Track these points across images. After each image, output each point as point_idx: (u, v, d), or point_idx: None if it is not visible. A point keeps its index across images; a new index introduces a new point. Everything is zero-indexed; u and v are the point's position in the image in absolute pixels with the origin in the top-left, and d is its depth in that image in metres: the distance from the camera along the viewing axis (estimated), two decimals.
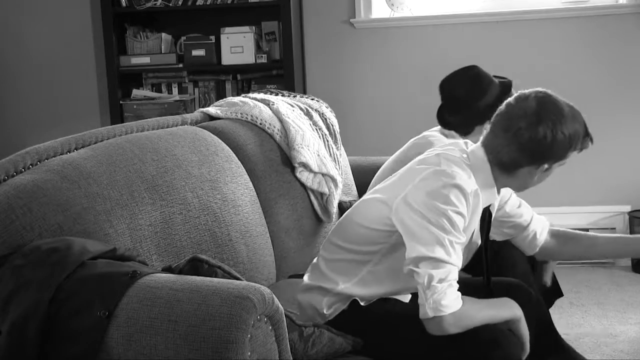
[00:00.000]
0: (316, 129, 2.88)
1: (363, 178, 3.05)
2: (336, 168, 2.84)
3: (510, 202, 2.25)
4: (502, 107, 2.02)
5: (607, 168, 4.19)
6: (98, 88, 4.62)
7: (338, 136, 3.02)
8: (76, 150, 1.98)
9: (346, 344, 1.92)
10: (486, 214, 2.09)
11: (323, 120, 2.97)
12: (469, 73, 2.73)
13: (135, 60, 4.36)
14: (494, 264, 2.40)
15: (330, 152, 2.88)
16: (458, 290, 1.89)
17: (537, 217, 2.32)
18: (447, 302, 1.85)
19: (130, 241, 1.87)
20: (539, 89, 2.01)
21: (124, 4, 4.32)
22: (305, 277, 2.16)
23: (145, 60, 4.36)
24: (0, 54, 4.68)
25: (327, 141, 2.90)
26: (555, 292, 2.72)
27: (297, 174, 2.69)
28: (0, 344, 1.50)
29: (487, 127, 2.07)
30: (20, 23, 4.64)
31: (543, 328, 2.30)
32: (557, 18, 4.20)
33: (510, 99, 2.01)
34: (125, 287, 1.50)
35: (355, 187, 3.11)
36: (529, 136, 1.93)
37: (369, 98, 4.41)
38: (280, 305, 1.51)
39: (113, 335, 1.46)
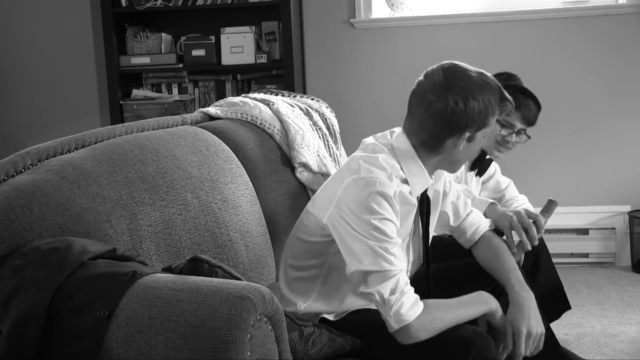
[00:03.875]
0: (316, 129, 2.88)
1: None
2: (336, 168, 2.84)
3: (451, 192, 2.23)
4: (414, 86, 2.00)
5: (607, 168, 4.19)
6: (98, 88, 4.62)
7: (338, 136, 3.02)
8: (76, 150, 1.98)
9: (346, 344, 1.92)
10: (424, 200, 2.07)
11: (323, 120, 2.97)
12: None
13: (135, 60, 4.36)
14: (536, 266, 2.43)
15: (330, 152, 2.88)
16: (415, 292, 1.88)
17: (477, 215, 2.29)
18: (406, 310, 1.84)
19: (130, 241, 1.87)
20: (446, 61, 1.99)
21: (124, 4, 4.32)
22: None
23: (145, 60, 4.36)
24: (0, 54, 4.68)
25: (327, 141, 2.90)
26: (562, 304, 2.72)
27: (297, 174, 2.69)
28: (0, 344, 1.50)
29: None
30: (21, 23, 4.64)
31: None
32: (557, 18, 4.20)
33: (420, 77, 2.00)
34: (125, 287, 1.50)
35: None
36: (441, 107, 1.91)
37: (369, 98, 4.41)
38: (280, 305, 1.51)
39: (113, 335, 1.46)
